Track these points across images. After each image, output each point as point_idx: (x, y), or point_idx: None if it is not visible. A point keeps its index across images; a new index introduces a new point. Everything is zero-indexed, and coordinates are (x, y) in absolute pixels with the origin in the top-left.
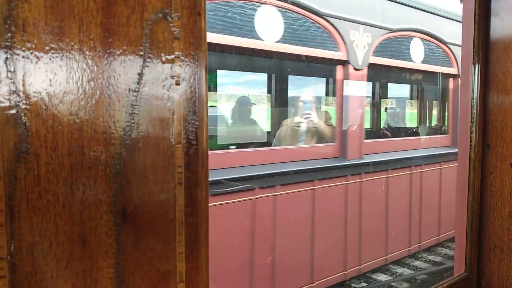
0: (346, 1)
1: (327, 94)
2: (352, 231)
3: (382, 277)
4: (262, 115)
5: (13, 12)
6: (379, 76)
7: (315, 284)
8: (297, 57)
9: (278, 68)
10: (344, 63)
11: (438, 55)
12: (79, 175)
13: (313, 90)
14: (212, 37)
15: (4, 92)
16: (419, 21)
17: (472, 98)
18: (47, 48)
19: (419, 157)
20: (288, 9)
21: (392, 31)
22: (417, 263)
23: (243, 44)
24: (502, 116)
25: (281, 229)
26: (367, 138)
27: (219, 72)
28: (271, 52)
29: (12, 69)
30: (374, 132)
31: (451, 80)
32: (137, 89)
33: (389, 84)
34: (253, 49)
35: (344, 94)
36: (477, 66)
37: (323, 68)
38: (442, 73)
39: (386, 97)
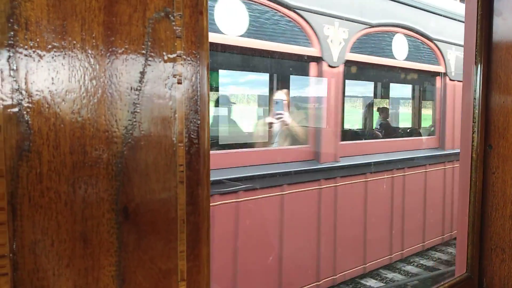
0: None
1: (299, 93)
2: (326, 240)
3: (372, 283)
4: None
5: (16, 10)
6: (359, 74)
7: None
8: (264, 53)
9: (243, 66)
10: (318, 59)
11: (423, 52)
12: (81, 173)
13: (286, 89)
14: None
15: (6, 90)
16: (402, 16)
17: (474, 98)
18: (50, 46)
19: (402, 160)
20: (253, 1)
21: (371, 26)
22: (391, 275)
23: None
24: (504, 116)
25: (244, 239)
26: (345, 140)
27: None
28: (233, 47)
29: (14, 68)
30: (354, 133)
31: (438, 78)
32: (139, 88)
33: (370, 83)
34: (212, 43)
35: (318, 92)
36: (479, 66)
37: (295, 65)
38: (428, 71)
39: (367, 96)
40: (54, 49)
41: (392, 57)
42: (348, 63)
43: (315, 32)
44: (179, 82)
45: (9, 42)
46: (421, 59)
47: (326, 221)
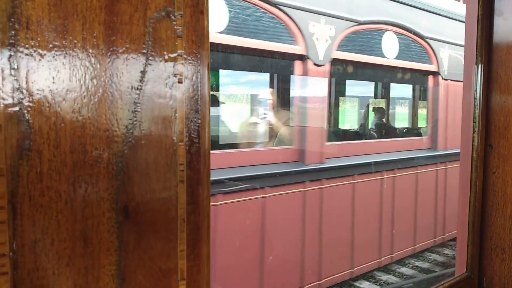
0: None
1: (284, 92)
2: (310, 244)
3: (365, 285)
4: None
5: (17, 9)
6: (347, 73)
7: None
8: (246, 51)
9: (224, 64)
10: (303, 58)
11: (414, 50)
12: (82, 172)
13: (270, 88)
14: None
15: (7, 89)
16: (392, 13)
17: (475, 98)
18: (51, 46)
19: (392, 161)
20: None
21: (360, 23)
22: (385, 277)
23: None
24: (505, 116)
25: (222, 245)
26: (331, 140)
27: None
28: (212, 44)
29: (15, 67)
30: (341, 133)
31: (430, 78)
32: (139, 87)
33: (359, 82)
34: None
35: (304, 92)
36: (480, 66)
37: (279, 64)
38: (420, 70)
39: (357, 95)
40: (55, 48)
41: (382, 55)
42: (335, 62)
43: (299, 29)
44: (180, 82)
45: (10, 41)
46: (412, 58)
47: (311, 224)
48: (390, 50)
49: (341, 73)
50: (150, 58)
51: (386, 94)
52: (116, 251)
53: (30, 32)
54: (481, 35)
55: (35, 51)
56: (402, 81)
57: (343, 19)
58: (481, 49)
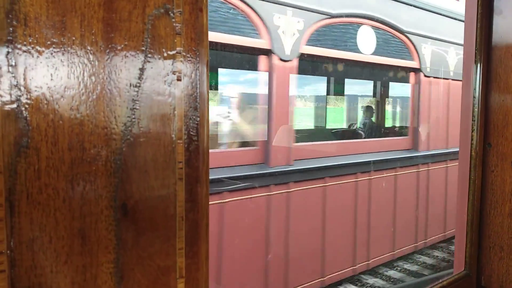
0: None
1: (248, 89)
2: (275, 252)
3: None
4: None
5: (15, 6)
6: (318, 69)
7: None
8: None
9: None
10: (267, 52)
11: (394, 46)
12: (80, 170)
13: (234, 85)
14: None
15: (5, 86)
16: (368, 6)
17: (474, 97)
18: (49, 42)
19: (367, 162)
20: None
21: (332, 16)
22: (372, 280)
23: None
24: (504, 114)
25: None
26: (301, 141)
27: None
28: None
29: (13, 63)
30: (312, 133)
31: (412, 75)
32: (138, 84)
33: (333, 79)
34: None
35: (268, 89)
36: (479, 64)
37: (242, 59)
38: (400, 67)
39: (334, 93)
40: (53, 45)
41: (358, 51)
42: (305, 57)
43: (263, 22)
44: (179, 79)
45: (8, 38)
46: (391, 54)
47: (277, 230)
48: (366, 46)
49: (311, 70)
50: (149, 55)
51: (364, 93)
52: (114, 249)
53: (28, 29)
54: (480, 33)
55: (33, 48)
56: (380, 78)
57: (313, 12)
58: (480, 47)
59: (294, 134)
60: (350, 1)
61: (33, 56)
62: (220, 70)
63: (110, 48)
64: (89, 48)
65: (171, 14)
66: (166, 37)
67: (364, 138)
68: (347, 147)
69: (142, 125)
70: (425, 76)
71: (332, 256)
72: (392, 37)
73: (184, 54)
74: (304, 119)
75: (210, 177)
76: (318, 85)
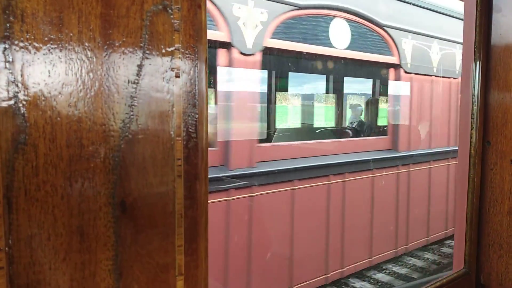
0: None
1: (208, 86)
2: (238, 260)
3: None
4: None
5: (12, 2)
6: (285, 64)
7: None
8: None
9: None
10: (227, 46)
11: (371, 40)
12: (78, 166)
13: None
14: None
15: (2, 82)
16: None
17: (473, 95)
18: (46, 39)
19: (341, 163)
20: None
21: (299, 7)
22: (359, 284)
23: None
24: (503, 112)
25: None
26: (265, 141)
27: None
28: None
29: (10, 60)
30: (280, 134)
31: (391, 71)
32: (136, 81)
33: (302, 75)
34: None
35: (229, 85)
36: (478, 62)
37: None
38: (378, 63)
39: (300, 91)
40: (51, 42)
41: (330, 45)
42: (269, 51)
43: (220, 12)
44: (177, 76)
45: (5, 34)
46: (367, 49)
47: (238, 238)
48: (339, 39)
49: (277, 65)
50: (147, 52)
51: (337, 90)
52: (113, 246)
53: (25, 25)
54: (479, 31)
55: (30, 44)
56: (356, 74)
57: (278, 2)
58: (480, 45)
59: (257, 134)
60: None
61: (30, 52)
62: None
63: (108, 44)
64: (86, 44)
65: (170, 11)
66: (165, 34)
67: (338, 138)
68: (321, 147)
69: (141, 122)
70: (406, 72)
71: (302, 262)
72: (368, 31)
73: (183, 51)
74: (271, 119)
75: None
76: (289, 81)
